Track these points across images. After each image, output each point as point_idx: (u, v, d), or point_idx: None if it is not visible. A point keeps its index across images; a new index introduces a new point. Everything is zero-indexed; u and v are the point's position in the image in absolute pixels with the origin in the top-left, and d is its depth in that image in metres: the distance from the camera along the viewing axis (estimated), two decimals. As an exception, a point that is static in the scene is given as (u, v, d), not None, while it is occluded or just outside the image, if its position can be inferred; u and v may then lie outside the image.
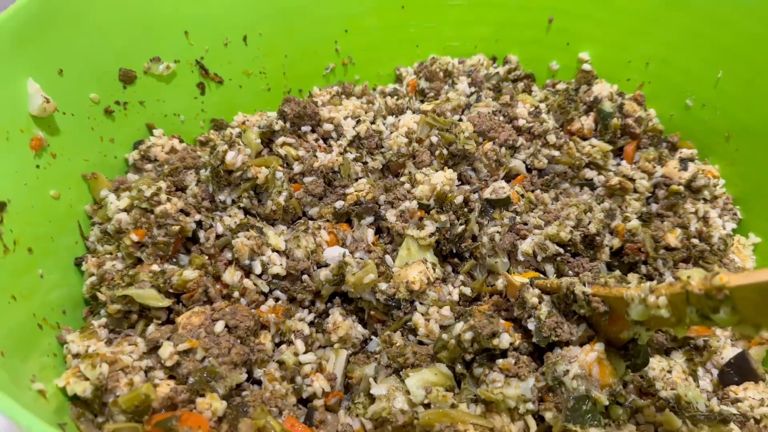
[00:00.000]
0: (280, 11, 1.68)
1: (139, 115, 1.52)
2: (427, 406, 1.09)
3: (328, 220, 1.39)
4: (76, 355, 1.09)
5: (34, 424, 0.70)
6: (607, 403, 1.06)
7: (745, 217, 1.54)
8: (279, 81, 1.77)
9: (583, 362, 1.08)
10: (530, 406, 1.08)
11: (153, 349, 1.13)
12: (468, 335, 1.11)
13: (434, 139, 1.48)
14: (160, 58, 1.53)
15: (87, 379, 1.02)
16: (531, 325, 1.13)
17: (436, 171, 1.43)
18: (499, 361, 1.12)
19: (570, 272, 1.35)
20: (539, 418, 1.10)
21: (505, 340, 1.10)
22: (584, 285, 1.09)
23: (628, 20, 1.65)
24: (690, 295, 0.90)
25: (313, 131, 1.55)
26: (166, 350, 1.08)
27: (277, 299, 1.28)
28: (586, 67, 1.72)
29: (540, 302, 1.14)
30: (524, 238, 1.36)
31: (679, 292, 0.91)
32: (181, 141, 1.55)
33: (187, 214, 1.30)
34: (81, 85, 1.37)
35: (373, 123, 1.58)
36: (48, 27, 1.27)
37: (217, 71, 1.65)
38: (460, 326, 1.13)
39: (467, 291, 1.30)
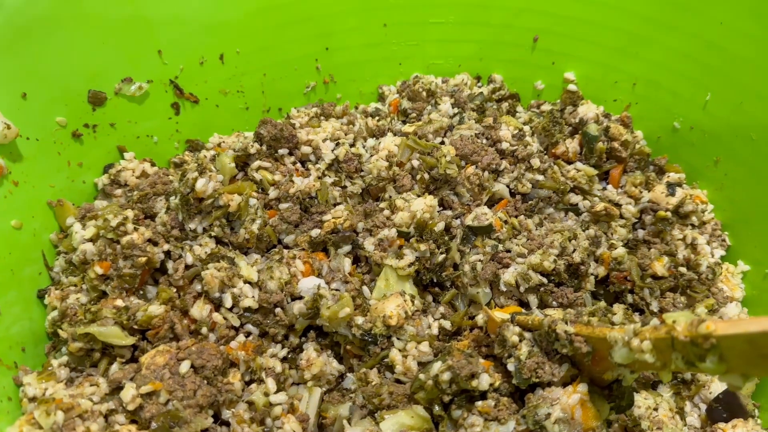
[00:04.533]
0: (258, 29, 1.63)
1: (110, 138, 1.47)
2: (402, 451, 1.05)
3: (303, 249, 1.34)
4: (33, 399, 1.04)
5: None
6: (590, 448, 1.01)
7: (733, 243, 1.50)
8: (257, 100, 1.72)
9: (565, 405, 1.03)
10: (510, 451, 1.03)
11: (116, 389, 1.08)
12: (446, 376, 1.06)
13: (415, 162, 1.43)
14: (132, 78, 1.48)
15: (41, 427, 0.96)
16: (511, 366, 1.08)
17: (417, 196, 1.38)
18: (479, 403, 1.07)
19: (554, 303, 1.30)
20: (520, 464, 1.05)
21: (484, 382, 1.06)
22: (567, 324, 1.04)
23: (615, 40, 1.61)
24: (675, 342, 0.85)
25: (290, 154, 1.50)
26: (128, 393, 1.03)
27: (248, 334, 1.23)
28: (572, 87, 1.68)
29: (521, 341, 1.09)
30: (507, 266, 1.32)
31: (664, 337, 0.87)
32: (153, 164, 1.50)
33: (156, 244, 1.25)
34: (47, 109, 1.32)
35: (352, 146, 1.54)
36: (11, 49, 1.23)
37: (192, 91, 1.59)
38: (437, 366, 1.08)
39: (447, 325, 1.25)
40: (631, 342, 0.92)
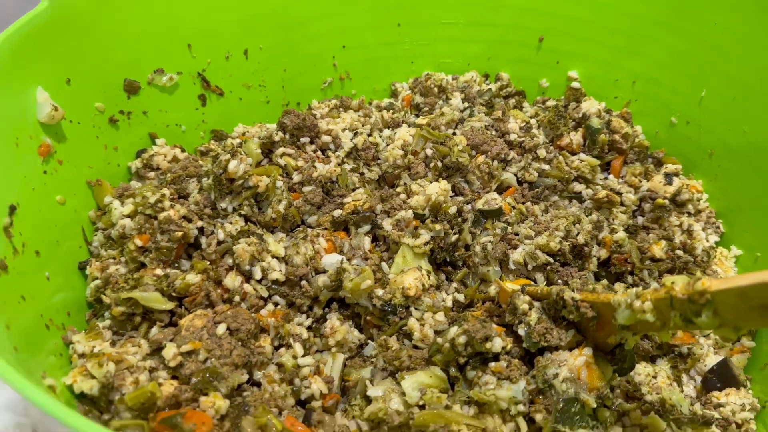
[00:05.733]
0: (280, 26, 1.73)
1: (142, 125, 1.56)
2: (422, 407, 1.13)
3: (326, 228, 1.43)
4: (82, 355, 1.12)
5: (70, 417, 0.73)
6: (595, 405, 1.09)
7: (727, 230, 1.59)
8: (278, 94, 1.82)
9: (572, 366, 1.12)
10: (521, 407, 1.12)
11: (156, 350, 1.16)
12: (462, 339, 1.15)
13: (429, 151, 1.53)
14: (164, 69, 1.57)
15: (94, 377, 1.05)
16: (522, 331, 1.17)
17: (431, 182, 1.48)
18: (492, 364, 1.16)
19: (559, 281, 1.39)
20: (530, 420, 1.13)
21: (497, 344, 1.15)
22: (573, 291, 1.14)
23: (616, 40, 1.72)
24: (674, 300, 0.94)
25: (311, 142, 1.59)
26: (170, 351, 1.11)
27: (276, 304, 1.32)
28: (575, 85, 1.78)
29: (530, 308, 1.18)
30: (515, 247, 1.41)
31: (664, 297, 0.96)
32: (183, 150, 1.59)
33: (190, 221, 1.34)
34: (87, 95, 1.41)
35: (370, 135, 1.63)
36: (57, 38, 1.31)
37: (218, 83, 1.69)
38: (454, 330, 1.17)
39: (461, 297, 1.35)
40: (634, 303, 1.00)
